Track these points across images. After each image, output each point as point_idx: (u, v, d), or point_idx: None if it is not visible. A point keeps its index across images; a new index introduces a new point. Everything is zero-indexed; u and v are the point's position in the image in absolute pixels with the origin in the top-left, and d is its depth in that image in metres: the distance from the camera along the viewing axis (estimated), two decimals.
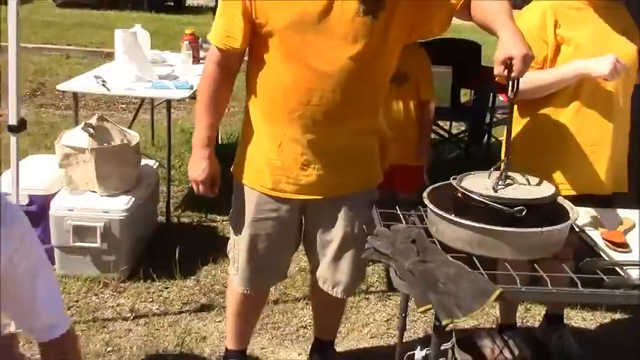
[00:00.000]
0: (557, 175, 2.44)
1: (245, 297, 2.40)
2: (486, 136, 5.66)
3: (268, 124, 2.17)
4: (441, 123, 5.60)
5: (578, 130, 2.42)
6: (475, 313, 1.62)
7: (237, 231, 2.32)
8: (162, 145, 5.07)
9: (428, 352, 2.14)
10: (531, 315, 3.32)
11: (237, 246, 2.33)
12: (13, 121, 2.65)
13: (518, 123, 2.52)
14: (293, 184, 2.19)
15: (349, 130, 2.14)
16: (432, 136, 5.74)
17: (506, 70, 1.86)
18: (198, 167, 2.23)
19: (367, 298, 3.40)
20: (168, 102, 4.01)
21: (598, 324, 3.33)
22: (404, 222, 2.08)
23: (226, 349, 2.62)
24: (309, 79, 2.04)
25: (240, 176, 2.27)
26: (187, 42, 4.59)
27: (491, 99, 5.44)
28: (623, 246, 1.99)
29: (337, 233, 2.28)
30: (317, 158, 2.15)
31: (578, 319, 3.35)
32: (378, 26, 2.03)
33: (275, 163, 2.17)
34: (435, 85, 5.45)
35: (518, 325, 3.06)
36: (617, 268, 1.84)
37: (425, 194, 2.01)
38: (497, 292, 1.64)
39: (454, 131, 5.88)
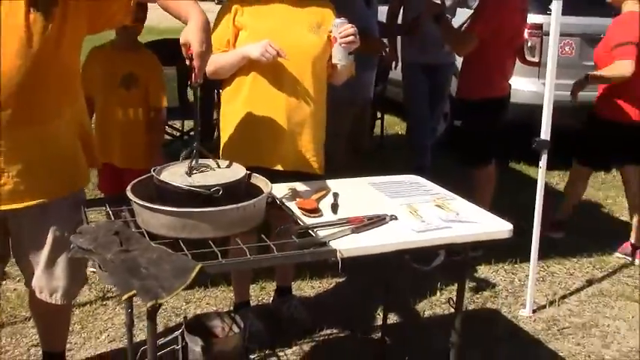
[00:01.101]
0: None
1: None
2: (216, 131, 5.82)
3: None
4: (170, 122, 5.65)
5: (254, 101, 2.66)
6: (178, 290, 1.70)
7: None
8: None
9: (162, 341, 2.21)
10: (267, 292, 3.54)
11: None
12: None
13: (225, 111, 2.71)
14: None
15: (38, 134, 2.09)
16: (165, 137, 5.80)
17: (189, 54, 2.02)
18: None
19: (105, 305, 3.35)
20: None
21: (324, 289, 3.66)
22: (113, 218, 2.10)
23: None
24: None
25: None
26: None
27: (216, 96, 5.61)
28: (314, 211, 2.22)
29: (47, 240, 2.22)
30: (9, 166, 2.07)
31: (308, 288, 3.64)
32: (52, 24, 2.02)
33: None
34: None
35: (255, 303, 3.25)
36: (309, 231, 2.07)
37: (128, 188, 2.05)
38: (197, 268, 1.74)
39: (186, 129, 5.97)
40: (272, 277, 3.46)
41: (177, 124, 5.91)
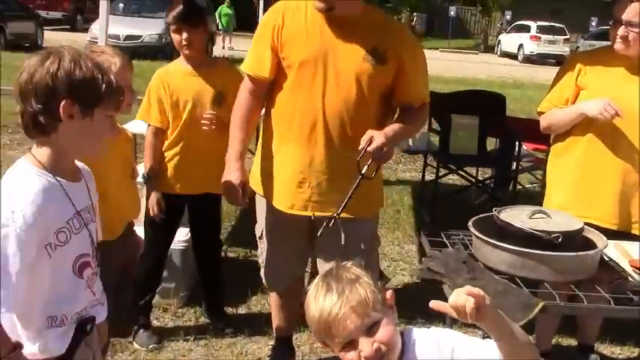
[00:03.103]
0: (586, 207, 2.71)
1: None
2: (512, 183, 5.90)
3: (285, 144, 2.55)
4: (467, 169, 5.88)
5: (589, 162, 2.71)
6: (521, 323, 1.86)
7: None
8: None
9: None
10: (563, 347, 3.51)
11: None
12: None
13: (553, 164, 2.82)
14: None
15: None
16: (460, 182, 6.05)
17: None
18: (232, 176, 2.57)
19: None
20: None
21: (626, 357, 3.51)
22: (450, 248, 2.35)
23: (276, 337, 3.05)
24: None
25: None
26: None
27: (516, 147, 5.70)
28: None
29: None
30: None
31: (607, 352, 3.53)
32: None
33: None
34: (462, 134, 5.83)
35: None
36: None
37: (470, 223, 2.28)
38: (540, 305, 1.89)
39: (480, 178, 6.13)
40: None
41: (473, 171, 6.10)
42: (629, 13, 2.59)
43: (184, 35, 3.04)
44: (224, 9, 21.29)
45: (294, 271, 2.84)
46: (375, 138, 2.31)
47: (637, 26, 2.58)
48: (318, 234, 2.37)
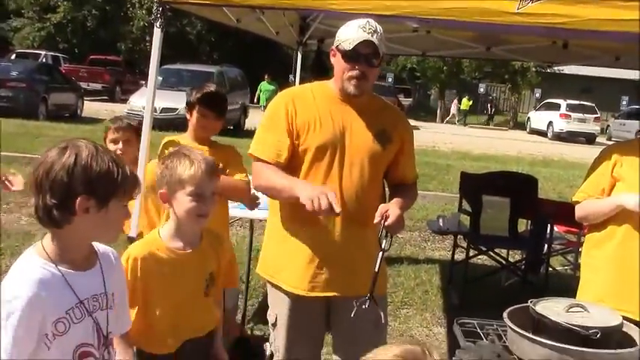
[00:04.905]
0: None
1: None
2: (544, 265, 5.81)
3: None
4: (498, 250, 5.83)
5: (626, 254, 2.67)
6: None
7: None
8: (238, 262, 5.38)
9: None
10: None
11: None
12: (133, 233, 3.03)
13: (589, 255, 2.80)
14: None
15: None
16: (490, 263, 5.98)
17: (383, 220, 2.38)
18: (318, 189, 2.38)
19: None
20: (251, 222, 4.37)
21: None
22: (484, 339, 2.31)
23: None
24: None
25: None
26: None
27: (548, 230, 5.65)
28: None
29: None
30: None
31: None
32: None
33: None
34: (493, 214, 5.81)
35: None
36: None
37: (505, 315, 2.25)
38: None
39: (511, 260, 6.06)
40: None
41: (504, 252, 6.04)
42: None
43: (206, 121, 3.20)
44: (265, 85, 21.74)
45: (311, 354, 2.78)
46: (390, 212, 2.41)
47: None
48: (352, 314, 2.36)
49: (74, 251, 1.63)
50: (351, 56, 2.49)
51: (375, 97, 2.74)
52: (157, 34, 3.09)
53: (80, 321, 1.61)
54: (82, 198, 1.55)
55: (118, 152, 3.37)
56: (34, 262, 1.58)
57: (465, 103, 30.18)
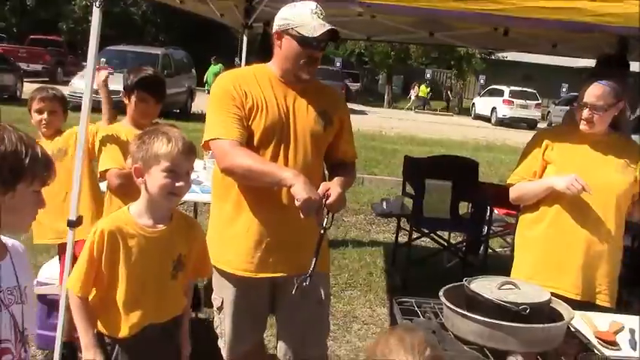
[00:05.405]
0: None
1: None
2: (483, 246, 5.98)
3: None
4: (440, 232, 5.96)
5: (555, 233, 2.80)
6: None
7: None
8: None
9: None
10: None
11: None
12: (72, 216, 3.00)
13: (521, 235, 2.90)
14: None
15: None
16: (432, 245, 6.12)
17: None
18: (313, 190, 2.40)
19: None
20: (195, 205, 4.35)
21: None
22: (421, 316, 2.38)
23: None
24: None
25: None
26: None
27: (488, 212, 5.81)
28: (613, 344, 2.28)
29: None
30: None
31: None
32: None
33: None
34: (435, 197, 5.93)
35: None
36: None
37: (441, 293, 2.32)
38: None
39: (452, 241, 6.21)
40: None
41: (445, 234, 6.18)
42: (592, 97, 2.72)
43: (145, 106, 3.18)
44: (214, 68, 21.47)
45: (256, 337, 2.83)
46: (331, 190, 2.45)
47: (600, 109, 2.71)
48: (293, 291, 2.40)
49: None
50: (310, 43, 2.49)
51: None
52: (96, 14, 3.03)
53: None
54: None
55: (43, 122, 3.33)
56: None
57: (424, 90, 30.54)
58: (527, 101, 27.10)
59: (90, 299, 2.26)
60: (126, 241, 2.22)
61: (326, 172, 2.75)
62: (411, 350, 1.50)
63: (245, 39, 5.81)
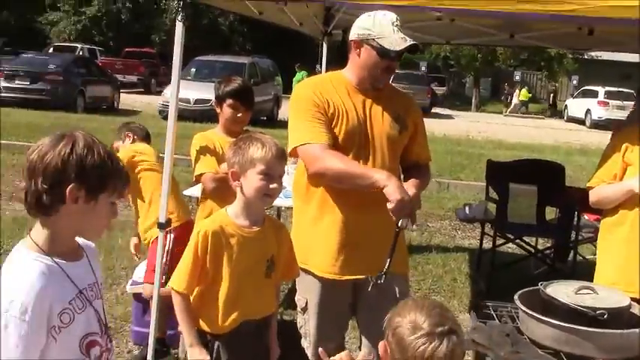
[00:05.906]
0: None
1: None
2: (572, 253, 5.80)
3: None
4: (527, 239, 5.83)
5: (637, 237, 2.70)
6: None
7: None
8: None
9: None
10: None
11: None
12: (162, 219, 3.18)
13: (604, 238, 2.83)
14: None
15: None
16: (519, 251, 5.97)
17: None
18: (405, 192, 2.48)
19: None
20: (278, 210, 4.46)
21: None
22: (498, 320, 2.38)
23: None
24: None
25: None
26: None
27: (576, 217, 5.63)
28: None
29: None
30: None
31: None
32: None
33: None
34: (520, 202, 5.81)
35: None
36: None
37: (516, 297, 2.31)
38: None
39: (540, 247, 6.05)
40: None
41: (532, 241, 6.04)
42: None
43: (236, 114, 3.31)
44: (299, 75, 21.79)
45: (339, 337, 2.88)
46: (407, 191, 2.49)
47: None
48: (369, 288, 2.49)
49: (63, 243, 1.64)
50: (389, 55, 2.56)
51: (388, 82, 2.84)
52: (179, 28, 3.20)
53: (82, 311, 1.63)
54: (73, 186, 1.56)
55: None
56: (29, 257, 1.58)
57: (525, 94, 29.96)
58: (624, 102, 25.90)
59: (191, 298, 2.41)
60: (228, 240, 2.36)
61: (401, 174, 2.79)
62: (420, 309, 1.68)
63: (325, 46, 5.90)
